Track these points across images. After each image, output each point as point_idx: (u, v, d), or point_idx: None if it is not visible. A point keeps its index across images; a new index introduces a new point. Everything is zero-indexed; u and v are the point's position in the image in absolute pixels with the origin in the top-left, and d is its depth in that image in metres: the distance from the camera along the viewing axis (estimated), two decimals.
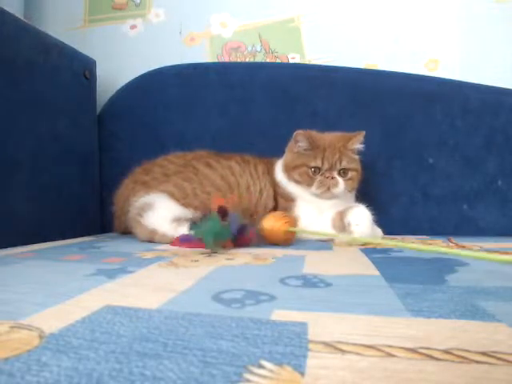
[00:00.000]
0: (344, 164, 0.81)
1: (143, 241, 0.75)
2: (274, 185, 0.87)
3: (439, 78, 1.02)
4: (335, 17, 1.11)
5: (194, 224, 0.60)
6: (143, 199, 0.78)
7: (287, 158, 0.86)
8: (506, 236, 0.88)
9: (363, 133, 0.83)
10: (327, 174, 0.80)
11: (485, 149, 0.97)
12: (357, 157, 0.84)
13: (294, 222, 0.72)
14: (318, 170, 0.81)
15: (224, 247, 0.62)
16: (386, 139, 1.01)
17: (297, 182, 0.83)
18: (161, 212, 0.75)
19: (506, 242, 0.75)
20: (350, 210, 0.74)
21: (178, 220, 0.73)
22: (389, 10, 1.09)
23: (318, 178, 0.80)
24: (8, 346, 0.23)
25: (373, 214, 0.75)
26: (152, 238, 0.74)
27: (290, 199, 0.84)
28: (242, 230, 0.64)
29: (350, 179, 0.82)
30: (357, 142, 0.83)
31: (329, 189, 0.79)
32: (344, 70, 1.05)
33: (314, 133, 0.84)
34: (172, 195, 0.78)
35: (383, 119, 1.01)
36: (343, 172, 0.81)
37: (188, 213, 0.76)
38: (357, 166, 0.84)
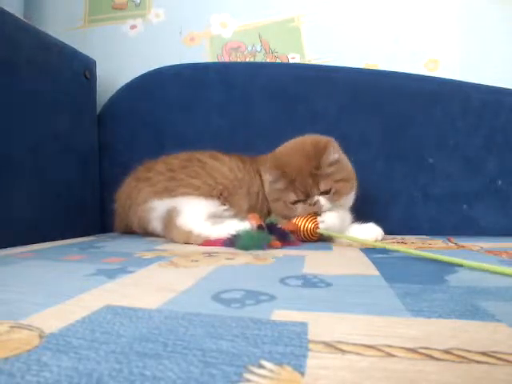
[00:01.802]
0: (323, 187, 0.75)
1: (181, 243, 0.73)
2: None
3: (439, 78, 1.02)
4: (335, 17, 1.11)
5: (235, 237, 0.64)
6: (169, 202, 0.77)
7: (266, 187, 0.82)
8: (506, 236, 0.88)
9: (332, 141, 0.77)
10: (308, 201, 0.76)
11: (485, 149, 0.97)
12: (336, 165, 0.77)
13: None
14: (297, 201, 0.77)
15: (271, 247, 0.65)
16: (386, 139, 1.01)
17: (280, 214, 0.79)
18: (192, 212, 0.74)
19: (506, 241, 0.75)
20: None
21: (212, 217, 0.73)
22: (389, 9, 1.09)
23: (300, 206, 0.76)
24: (8, 345, 0.23)
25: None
26: (188, 239, 0.72)
27: None
28: (283, 234, 0.69)
29: (335, 193, 0.76)
30: (330, 156, 0.75)
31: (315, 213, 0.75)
32: (344, 70, 1.05)
33: (283, 158, 0.78)
34: (195, 194, 0.78)
35: (383, 119, 1.01)
36: (326, 192, 0.76)
37: (217, 204, 0.77)
38: (341, 174, 0.77)
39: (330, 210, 0.76)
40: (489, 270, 0.42)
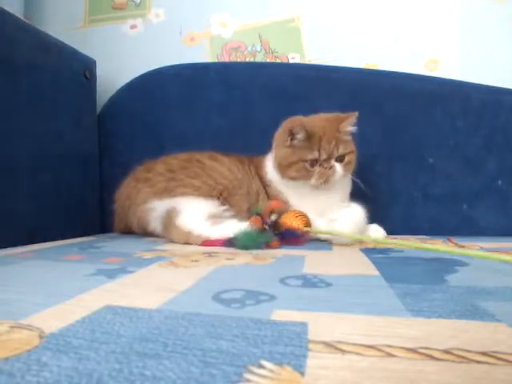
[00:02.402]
0: (341, 151, 0.78)
1: (180, 243, 0.73)
2: (265, 185, 0.86)
3: (439, 78, 1.02)
4: (335, 17, 1.11)
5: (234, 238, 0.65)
6: (168, 203, 0.77)
7: (279, 154, 0.81)
8: (506, 236, 0.88)
9: (356, 114, 0.79)
10: (325, 165, 0.77)
11: (485, 149, 0.97)
12: (350, 137, 0.81)
13: (310, 222, 0.74)
14: (315, 161, 0.77)
15: (269, 247, 0.65)
16: (386, 139, 1.01)
17: (293, 178, 0.80)
18: (192, 212, 0.74)
19: (506, 241, 0.75)
20: (340, 209, 0.73)
21: (212, 217, 0.73)
22: (389, 9, 1.09)
23: (317, 169, 0.77)
24: (8, 346, 0.23)
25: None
26: (188, 240, 0.71)
27: (282, 201, 0.82)
28: (289, 234, 0.69)
29: (347, 163, 0.79)
30: (349, 125, 0.79)
31: (328, 179, 0.77)
32: (344, 70, 1.05)
33: (306, 120, 0.80)
34: (194, 194, 0.78)
35: (383, 119, 1.01)
36: (340, 158, 0.78)
37: (217, 205, 0.77)
38: (352, 147, 0.81)
39: (340, 179, 0.78)
40: (495, 259, 0.42)
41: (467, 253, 0.35)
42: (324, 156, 0.77)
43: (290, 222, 0.71)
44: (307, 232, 0.71)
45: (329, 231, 0.70)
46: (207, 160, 0.84)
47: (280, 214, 0.73)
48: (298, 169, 0.78)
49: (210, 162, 0.83)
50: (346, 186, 0.85)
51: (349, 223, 0.69)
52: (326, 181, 0.77)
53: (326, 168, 0.77)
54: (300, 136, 0.77)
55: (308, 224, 0.73)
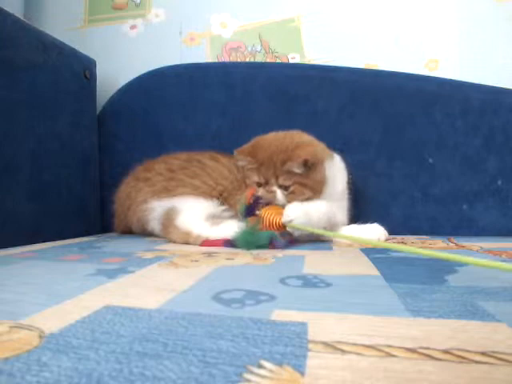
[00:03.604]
0: (281, 182, 0.76)
1: (179, 243, 0.73)
2: None
3: (439, 78, 1.02)
4: (335, 17, 1.11)
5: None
6: (168, 202, 0.77)
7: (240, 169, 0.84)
8: (506, 236, 0.88)
9: (301, 158, 0.74)
10: (267, 188, 0.77)
11: (485, 149, 0.97)
12: (298, 171, 0.76)
13: None
14: (259, 183, 0.79)
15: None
16: (386, 139, 1.00)
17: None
18: (192, 212, 0.74)
19: (506, 241, 0.75)
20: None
21: (212, 217, 0.73)
22: (389, 10, 1.09)
23: (260, 190, 0.78)
24: (8, 346, 0.23)
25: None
26: (187, 240, 0.71)
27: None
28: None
29: (291, 193, 0.76)
30: (293, 167, 0.75)
31: (271, 201, 0.76)
32: (344, 70, 1.05)
33: (260, 143, 0.81)
34: (194, 194, 0.78)
35: (383, 119, 1.01)
36: (284, 187, 0.77)
37: (217, 205, 0.77)
38: (301, 179, 0.76)
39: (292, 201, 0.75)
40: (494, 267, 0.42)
41: (467, 260, 0.35)
42: (262, 180, 0.78)
43: (271, 216, 0.70)
44: (284, 228, 0.69)
45: (305, 227, 0.68)
46: (207, 160, 0.84)
47: (261, 206, 0.73)
48: (249, 185, 0.81)
49: (210, 163, 0.84)
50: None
51: (296, 211, 0.69)
52: (269, 202, 0.76)
53: (267, 191, 0.77)
54: (247, 163, 0.80)
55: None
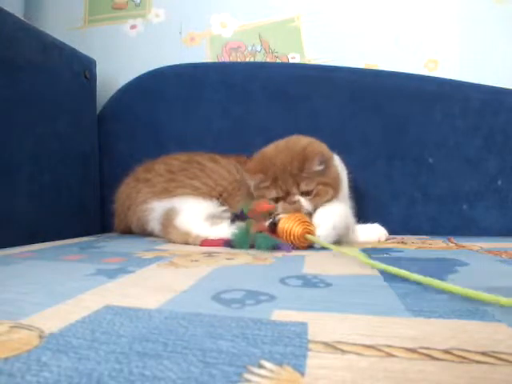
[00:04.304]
0: (303, 188, 0.73)
1: (179, 243, 0.72)
2: None
3: (439, 78, 1.02)
4: (335, 17, 1.11)
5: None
6: (168, 203, 0.77)
7: (251, 188, 0.78)
8: (506, 236, 0.88)
9: (320, 153, 0.74)
10: (288, 200, 0.73)
11: (485, 149, 0.97)
12: (318, 173, 0.74)
13: (313, 229, 0.66)
14: (277, 198, 0.74)
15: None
16: (386, 139, 1.01)
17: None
18: (191, 212, 0.73)
19: (506, 241, 0.75)
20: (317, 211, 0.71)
21: (211, 217, 0.73)
22: (389, 9, 1.09)
23: (281, 204, 0.74)
24: (8, 346, 0.23)
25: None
26: (186, 240, 0.71)
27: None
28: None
29: (316, 196, 0.74)
30: (312, 166, 0.73)
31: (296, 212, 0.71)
32: (344, 70, 1.05)
33: (265, 157, 0.77)
34: (194, 194, 0.77)
35: (383, 119, 1.01)
36: (306, 192, 0.74)
37: (216, 205, 0.77)
38: (322, 179, 0.74)
39: (313, 209, 0.72)
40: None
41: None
42: (281, 194, 0.74)
43: (291, 227, 0.64)
44: (305, 241, 0.64)
45: (325, 243, 0.63)
46: (207, 161, 0.84)
47: (276, 215, 0.69)
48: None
49: (209, 164, 0.84)
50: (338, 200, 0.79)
51: (328, 229, 0.66)
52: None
53: (289, 203, 0.73)
54: (259, 182, 0.75)
55: (311, 232, 0.65)
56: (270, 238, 0.63)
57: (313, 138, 0.82)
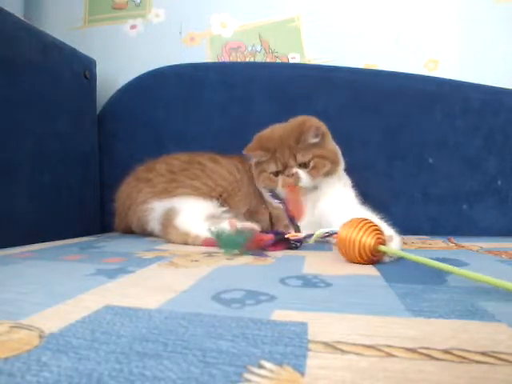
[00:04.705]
0: (300, 159, 0.76)
1: (178, 243, 0.72)
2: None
3: (439, 78, 1.02)
4: (335, 17, 1.11)
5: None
6: (168, 203, 0.77)
7: (253, 168, 0.85)
8: (506, 236, 0.88)
9: (313, 126, 0.76)
10: (287, 173, 0.77)
11: (485, 149, 0.97)
12: (314, 144, 0.77)
13: (385, 239, 0.50)
14: (277, 172, 0.79)
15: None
16: (386, 139, 1.01)
17: (264, 187, 0.82)
18: (191, 212, 0.73)
19: (506, 241, 0.75)
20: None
21: (211, 218, 0.73)
22: (389, 9, 1.09)
23: (280, 178, 0.78)
24: (8, 346, 0.23)
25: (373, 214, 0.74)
26: (186, 240, 0.71)
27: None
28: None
29: (313, 168, 0.77)
30: (309, 137, 0.76)
31: (293, 185, 0.76)
32: (344, 70, 1.05)
33: (263, 135, 0.81)
34: (194, 194, 0.78)
35: (383, 119, 1.01)
36: (304, 164, 0.77)
37: (216, 206, 0.77)
38: (318, 151, 0.77)
39: (311, 184, 0.76)
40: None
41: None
42: (280, 167, 0.78)
43: (359, 237, 0.48)
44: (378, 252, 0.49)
45: (403, 253, 0.48)
46: (208, 162, 0.84)
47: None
48: (264, 179, 0.81)
49: (210, 164, 0.84)
50: (332, 184, 0.80)
51: (398, 236, 0.59)
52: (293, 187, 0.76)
53: (288, 176, 0.77)
54: (260, 157, 0.80)
55: (384, 241, 0.49)
56: (237, 239, 0.59)
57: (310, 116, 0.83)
